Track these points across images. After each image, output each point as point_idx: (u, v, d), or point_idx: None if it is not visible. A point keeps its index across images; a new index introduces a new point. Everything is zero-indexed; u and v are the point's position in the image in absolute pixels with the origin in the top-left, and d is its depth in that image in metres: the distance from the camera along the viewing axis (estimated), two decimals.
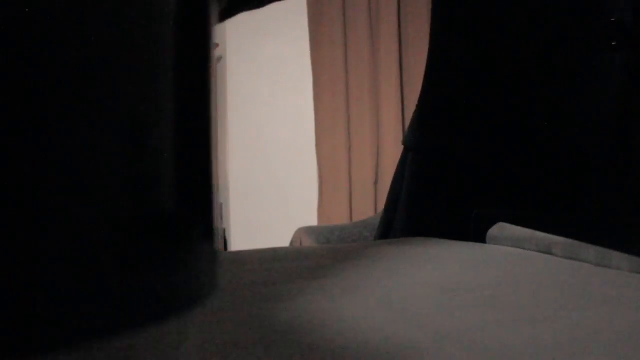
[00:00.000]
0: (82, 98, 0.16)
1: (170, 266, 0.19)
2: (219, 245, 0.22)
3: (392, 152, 3.16)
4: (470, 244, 0.94)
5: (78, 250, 0.16)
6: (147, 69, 0.18)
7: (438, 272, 0.69)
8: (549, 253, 0.79)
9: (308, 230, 2.48)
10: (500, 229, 0.93)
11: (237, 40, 2.98)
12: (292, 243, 2.47)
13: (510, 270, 0.70)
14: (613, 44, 0.60)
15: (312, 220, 3.02)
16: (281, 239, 2.53)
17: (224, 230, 2.65)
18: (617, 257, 0.67)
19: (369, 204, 3.22)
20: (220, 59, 2.93)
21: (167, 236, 0.19)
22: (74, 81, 0.15)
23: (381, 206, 1.92)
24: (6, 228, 0.14)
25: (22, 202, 0.14)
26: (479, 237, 0.95)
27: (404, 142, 0.97)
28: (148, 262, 0.18)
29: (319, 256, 0.89)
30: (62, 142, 0.15)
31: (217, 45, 0.24)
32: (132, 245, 0.17)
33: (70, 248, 0.15)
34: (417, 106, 0.93)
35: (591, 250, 0.70)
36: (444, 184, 0.93)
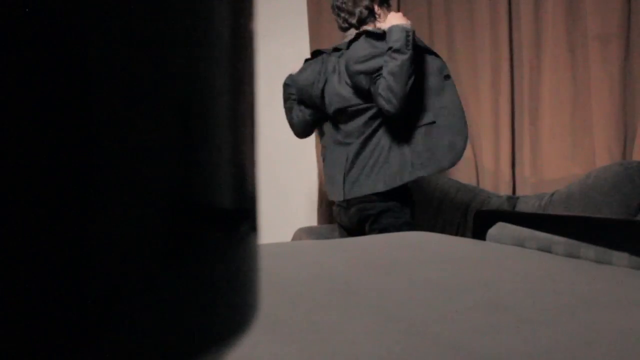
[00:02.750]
0: (134, 87, 0.15)
1: (220, 260, 0.18)
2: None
3: None
4: (470, 240, 0.94)
5: (127, 242, 0.15)
6: (201, 57, 0.17)
7: (438, 272, 0.69)
8: (549, 251, 0.79)
9: (308, 231, 2.48)
10: (501, 228, 0.93)
11: None
12: None
13: (510, 269, 0.70)
14: None
15: (312, 221, 3.02)
16: (281, 239, 2.52)
17: None
18: (617, 254, 0.67)
19: None
20: None
21: (217, 229, 0.18)
22: (125, 68, 0.15)
23: None
24: (53, 219, 0.14)
25: (70, 192, 0.14)
26: (479, 235, 0.95)
27: None
28: (198, 257, 0.18)
29: (317, 252, 0.88)
30: (113, 131, 0.15)
31: None
32: (182, 238, 0.17)
33: (118, 240, 0.15)
34: None
35: (591, 248, 0.70)
36: None
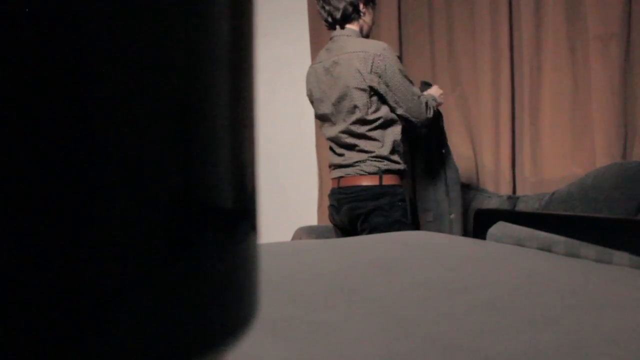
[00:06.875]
0: (132, 82, 0.15)
1: (219, 259, 0.18)
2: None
3: None
4: (471, 240, 0.94)
5: (126, 241, 0.15)
6: (201, 57, 0.17)
7: (438, 271, 0.69)
8: (550, 251, 0.79)
9: (308, 230, 2.48)
10: (501, 228, 0.93)
11: None
12: None
13: (511, 269, 0.70)
14: None
15: (312, 220, 3.02)
16: (281, 239, 2.52)
17: None
18: (618, 254, 0.66)
19: None
20: None
21: (217, 229, 0.18)
22: (123, 64, 0.15)
23: None
24: (53, 219, 0.14)
25: (69, 192, 0.14)
26: (480, 235, 0.95)
27: None
28: (198, 257, 0.17)
29: (317, 251, 0.88)
30: (113, 130, 0.15)
31: None
32: (182, 237, 0.17)
33: (117, 239, 0.15)
34: None
35: (591, 248, 0.70)
36: None
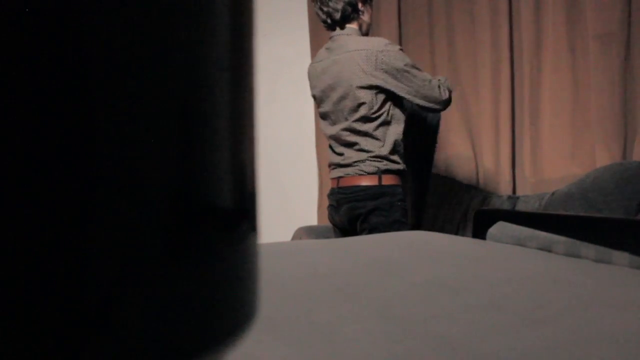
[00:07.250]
0: (132, 86, 0.15)
1: (220, 262, 0.18)
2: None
3: None
4: (471, 239, 0.94)
5: (126, 242, 0.15)
6: (201, 57, 0.17)
7: (438, 271, 0.69)
8: (550, 251, 0.79)
9: (308, 230, 2.48)
10: (501, 228, 0.93)
11: None
12: None
13: (510, 269, 0.70)
14: None
15: (312, 220, 3.02)
16: (281, 239, 2.52)
17: None
18: (617, 254, 0.67)
19: None
20: None
21: (217, 229, 0.18)
22: (123, 66, 0.15)
23: None
24: (53, 220, 0.14)
25: (70, 192, 0.14)
26: (480, 235, 0.95)
27: None
28: (198, 257, 0.17)
29: (317, 251, 0.88)
30: (113, 130, 0.15)
31: None
32: (182, 238, 0.17)
33: (118, 240, 0.15)
34: None
35: (591, 247, 0.70)
36: None
